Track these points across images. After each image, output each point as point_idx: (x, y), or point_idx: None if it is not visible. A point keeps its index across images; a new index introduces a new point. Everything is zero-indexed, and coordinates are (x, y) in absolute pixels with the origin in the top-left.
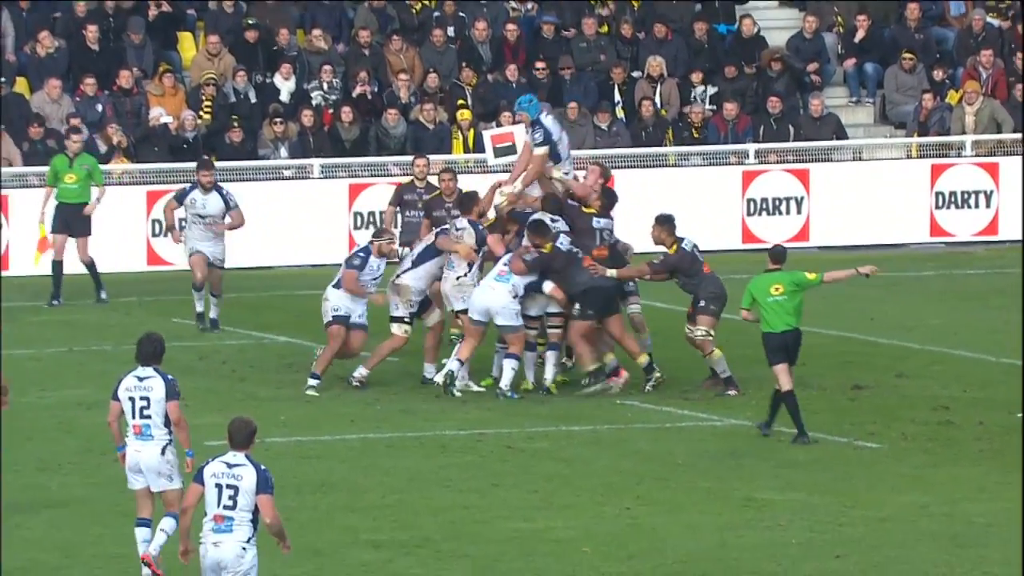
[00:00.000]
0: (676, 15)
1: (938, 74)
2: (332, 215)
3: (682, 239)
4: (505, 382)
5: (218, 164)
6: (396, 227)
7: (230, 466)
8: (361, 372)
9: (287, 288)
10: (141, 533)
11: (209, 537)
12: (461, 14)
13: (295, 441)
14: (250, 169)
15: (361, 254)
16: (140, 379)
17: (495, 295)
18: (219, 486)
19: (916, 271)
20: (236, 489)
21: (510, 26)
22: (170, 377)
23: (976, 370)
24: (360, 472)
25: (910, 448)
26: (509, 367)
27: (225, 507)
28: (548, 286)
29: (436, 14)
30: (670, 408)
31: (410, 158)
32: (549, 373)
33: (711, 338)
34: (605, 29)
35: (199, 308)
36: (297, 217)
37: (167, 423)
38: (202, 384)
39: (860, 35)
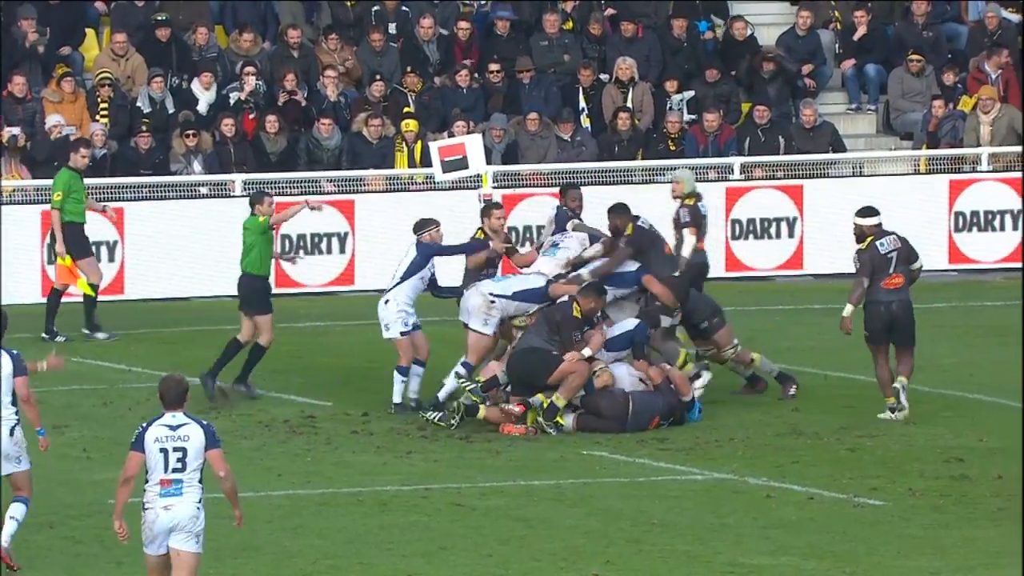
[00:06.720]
0: (649, 9)
1: (949, 77)
2: None
3: (637, 217)
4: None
5: (124, 180)
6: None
7: (173, 428)
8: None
9: (206, 322)
10: None
11: (157, 502)
12: (404, 8)
13: (212, 498)
14: (161, 186)
15: None
16: None
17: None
18: (164, 451)
19: (926, 303)
20: (184, 451)
21: (462, 23)
22: (15, 352)
23: (994, 417)
24: (287, 534)
25: (919, 506)
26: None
27: (174, 470)
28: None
29: (376, 8)
30: (644, 460)
31: (348, 173)
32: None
33: (738, 346)
34: (569, 25)
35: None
36: (217, 241)
37: (14, 402)
38: (105, 434)
39: (860, 32)
